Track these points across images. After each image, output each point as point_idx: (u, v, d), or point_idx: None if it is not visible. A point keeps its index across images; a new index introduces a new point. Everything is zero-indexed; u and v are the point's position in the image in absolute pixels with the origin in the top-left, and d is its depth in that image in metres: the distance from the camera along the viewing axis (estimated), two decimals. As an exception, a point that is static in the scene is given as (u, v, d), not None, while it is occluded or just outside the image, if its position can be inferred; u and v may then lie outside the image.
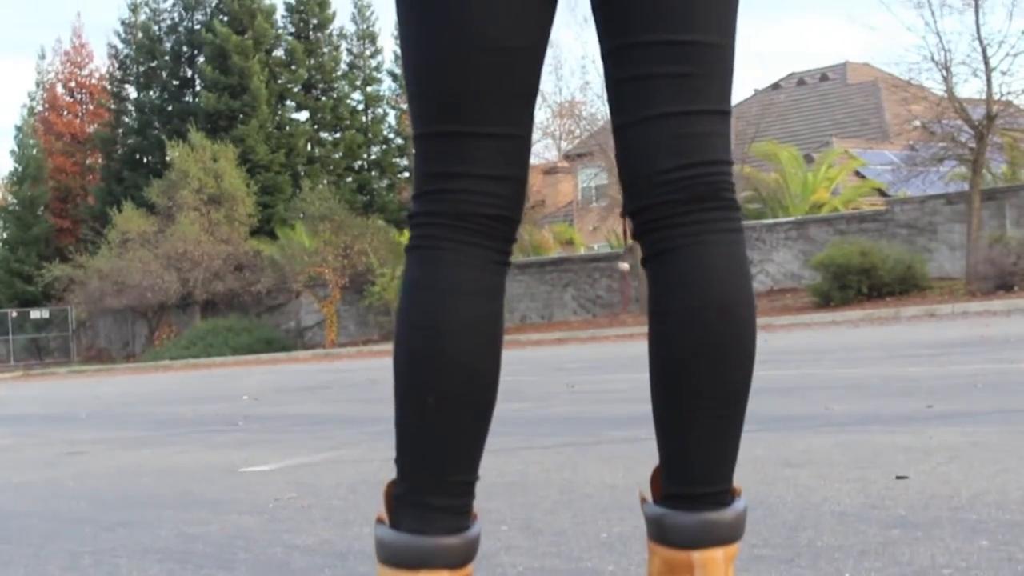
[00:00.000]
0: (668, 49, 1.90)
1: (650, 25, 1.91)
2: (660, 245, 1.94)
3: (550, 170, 50.25)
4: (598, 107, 34.57)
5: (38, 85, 62.13)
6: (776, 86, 49.42)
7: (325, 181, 49.87)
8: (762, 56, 74.87)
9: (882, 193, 34.56)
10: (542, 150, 42.66)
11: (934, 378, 7.97)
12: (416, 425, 1.94)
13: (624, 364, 13.44)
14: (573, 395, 9.23)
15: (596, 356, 16.78)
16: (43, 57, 72.14)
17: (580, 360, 15.83)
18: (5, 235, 57.89)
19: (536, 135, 38.99)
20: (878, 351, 12.10)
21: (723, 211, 1.94)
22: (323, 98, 53.20)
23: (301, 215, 42.08)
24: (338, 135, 53.52)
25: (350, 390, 12.66)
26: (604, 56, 2.01)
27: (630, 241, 33.81)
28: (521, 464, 4.91)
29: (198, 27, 53.08)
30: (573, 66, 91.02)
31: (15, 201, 57.26)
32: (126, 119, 55.46)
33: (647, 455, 4.98)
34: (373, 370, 17.83)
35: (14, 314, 52.69)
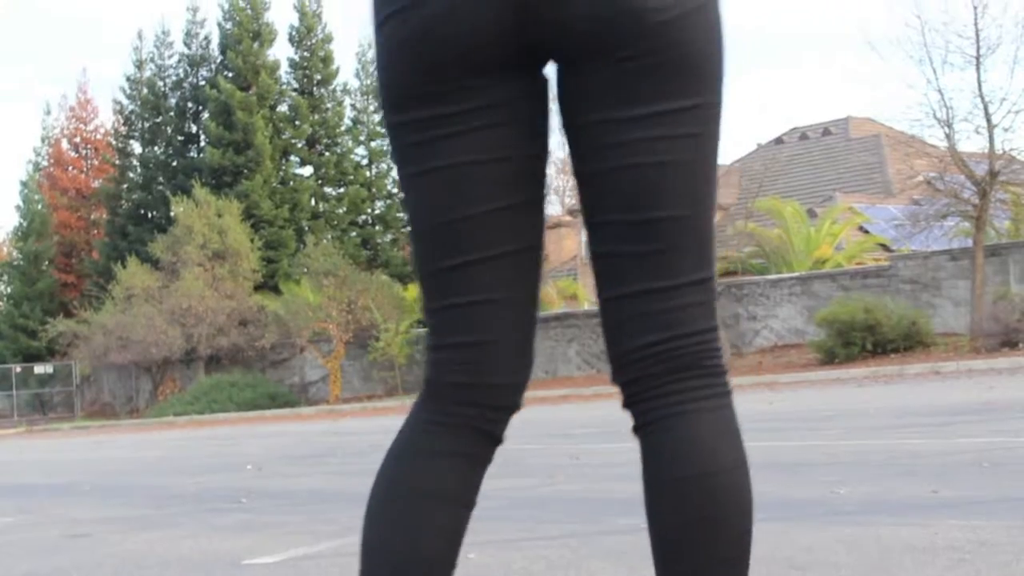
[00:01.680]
0: (633, 228, 1.92)
1: (616, 205, 1.93)
2: (645, 417, 1.97)
3: (554, 225, 50.32)
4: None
5: (43, 140, 62.39)
6: (779, 140, 49.53)
7: (329, 236, 49.98)
8: (764, 109, 74.97)
9: (886, 248, 34.59)
10: (545, 206, 42.67)
11: (939, 454, 7.94)
12: None
13: (629, 431, 13.41)
14: (578, 467, 9.21)
15: (600, 418, 16.73)
16: (48, 112, 72.49)
17: (585, 424, 15.79)
18: (10, 290, 57.95)
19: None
20: (883, 418, 12.07)
21: (706, 378, 1.95)
22: (327, 153, 53.35)
23: (305, 270, 42.13)
24: (342, 190, 53.63)
25: (354, 459, 12.62)
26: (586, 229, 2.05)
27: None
28: (525, 560, 4.89)
29: (202, 83, 53.31)
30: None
31: (20, 256, 57.35)
32: (131, 174, 55.63)
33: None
34: (377, 433, 17.79)
35: (18, 369, 52.68)
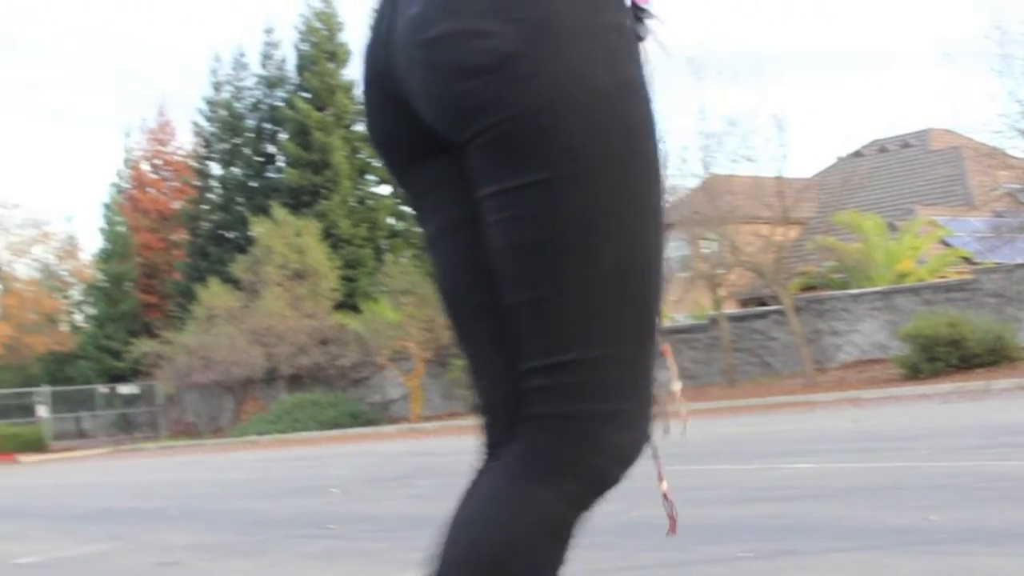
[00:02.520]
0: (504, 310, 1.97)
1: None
2: None
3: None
4: (678, 179, 34.57)
5: (125, 163, 63.03)
6: (858, 153, 49.08)
7: (407, 254, 50.14)
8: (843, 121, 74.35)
9: (969, 261, 34.17)
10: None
11: (1032, 477, 7.84)
12: None
13: (711, 450, 13.34)
14: (663, 491, 9.16)
15: (686, 437, 16.65)
16: (128, 135, 73.25)
17: (667, 443, 15.71)
18: (95, 311, 58.62)
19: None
20: (971, 437, 11.92)
21: (525, 450, 1.91)
22: (404, 172, 53.58)
23: (384, 289, 42.27)
24: (420, 208, 53.83)
25: (439, 482, 12.65)
26: None
27: (712, 311, 33.64)
28: (618, 592, 4.88)
29: (279, 104, 53.70)
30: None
31: (104, 278, 57.96)
32: (210, 195, 56.09)
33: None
34: (462, 453, 17.82)
35: (103, 389, 53.28)
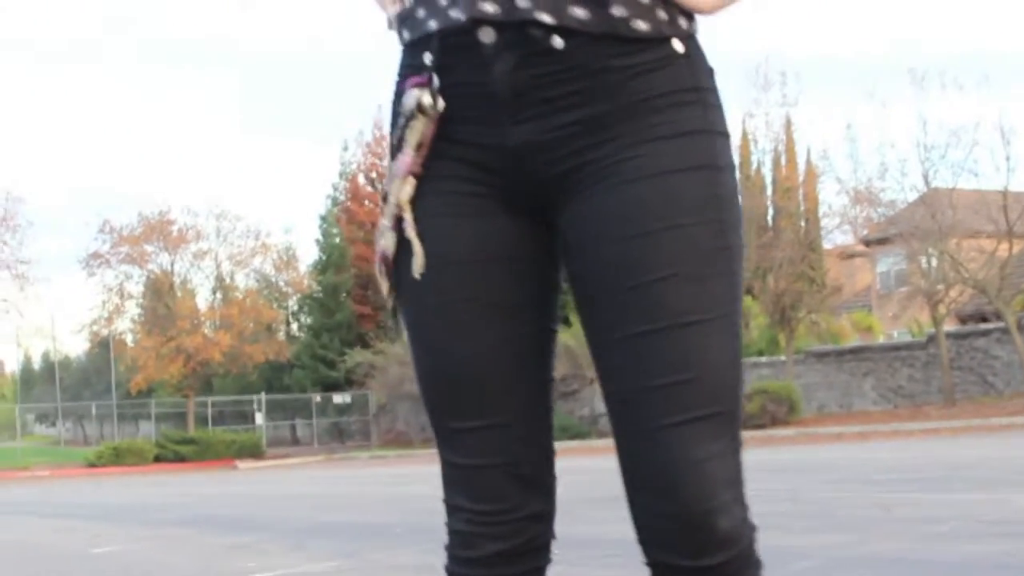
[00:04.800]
0: None
1: None
2: None
3: (847, 256, 49.32)
4: (897, 192, 33.89)
5: (341, 175, 64.28)
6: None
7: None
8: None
9: None
10: (839, 235, 41.79)
11: None
12: None
13: (939, 477, 13.03)
14: (892, 522, 8.96)
15: (905, 460, 16.31)
16: (346, 149, 74.58)
17: (889, 467, 15.38)
18: (310, 321, 59.91)
19: (834, 220, 38.19)
20: None
21: None
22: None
23: (594, 301, 42.25)
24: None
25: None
26: None
27: (931, 328, 32.86)
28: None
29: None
30: (869, 149, 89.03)
31: (319, 289, 59.20)
32: (424, 207, 56.69)
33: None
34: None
35: (318, 398, 54.48)
